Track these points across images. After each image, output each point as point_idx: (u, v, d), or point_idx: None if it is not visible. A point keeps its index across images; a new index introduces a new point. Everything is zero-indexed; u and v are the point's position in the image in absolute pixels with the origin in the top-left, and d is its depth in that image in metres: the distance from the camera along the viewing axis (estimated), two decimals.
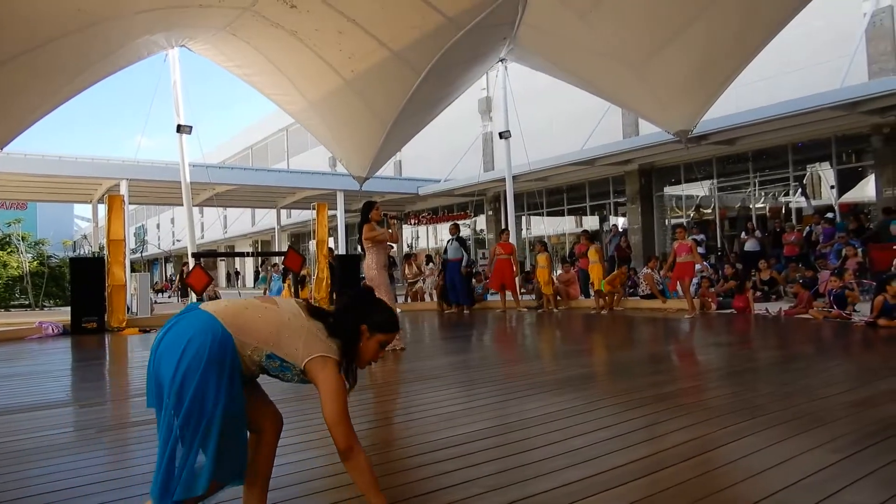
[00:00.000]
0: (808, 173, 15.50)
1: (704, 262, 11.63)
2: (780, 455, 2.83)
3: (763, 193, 16.54)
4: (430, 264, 18.65)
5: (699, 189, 17.71)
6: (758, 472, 2.63)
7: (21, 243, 21.80)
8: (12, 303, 20.56)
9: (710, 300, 10.63)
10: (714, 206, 17.40)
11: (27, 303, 20.24)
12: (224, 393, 1.89)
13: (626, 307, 11.72)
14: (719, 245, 16.60)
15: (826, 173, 15.16)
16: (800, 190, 15.61)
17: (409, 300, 15.20)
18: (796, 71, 14.29)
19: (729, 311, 10.27)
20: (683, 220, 18.02)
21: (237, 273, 41.86)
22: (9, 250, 21.38)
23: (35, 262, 21.30)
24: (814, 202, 15.38)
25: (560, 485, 2.53)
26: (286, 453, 3.17)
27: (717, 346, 7.14)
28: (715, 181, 17.10)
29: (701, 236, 14.51)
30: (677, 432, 3.25)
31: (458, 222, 15.55)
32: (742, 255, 13.62)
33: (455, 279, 12.77)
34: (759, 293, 11.02)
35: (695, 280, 11.37)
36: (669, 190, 18.67)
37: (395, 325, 2.20)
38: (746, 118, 13.36)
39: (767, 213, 16.15)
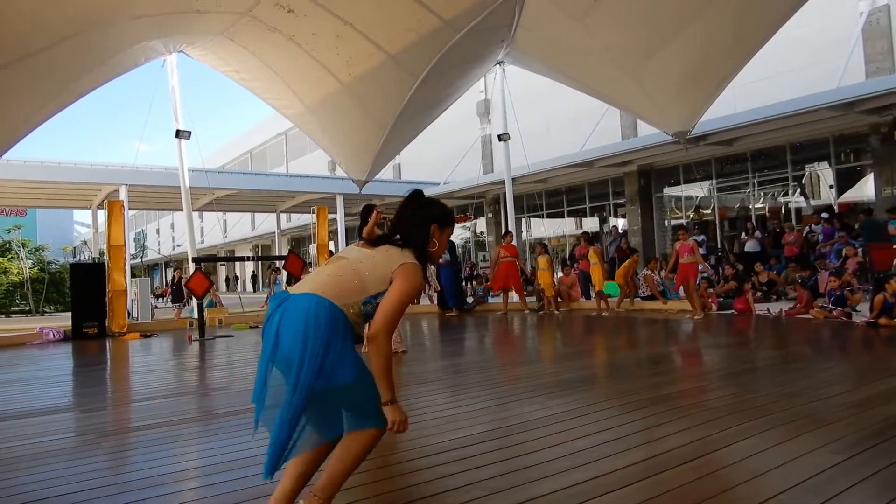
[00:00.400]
0: (806, 173, 15.50)
1: (706, 263, 11.62)
2: (781, 456, 2.82)
3: (762, 194, 16.55)
4: (432, 266, 18.67)
5: (698, 190, 17.72)
6: (759, 473, 2.63)
7: (21, 249, 21.81)
8: (13, 309, 20.55)
9: (710, 301, 10.63)
10: (713, 207, 17.41)
11: (28, 309, 20.24)
12: (349, 358, 2.05)
13: (628, 308, 11.70)
14: (719, 245, 16.60)
15: (825, 173, 15.17)
16: (799, 190, 15.62)
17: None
18: (794, 71, 14.31)
19: (729, 311, 10.27)
20: (683, 221, 18.02)
21: (236, 278, 41.86)
22: (9, 256, 21.39)
23: (35, 269, 21.31)
24: (813, 202, 15.38)
25: (561, 487, 2.53)
26: None
27: (718, 347, 7.14)
28: (714, 182, 17.11)
29: (702, 237, 14.51)
30: (678, 434, 3.25)
31: (457, 225, 15.56)
32: (742, 256, 13.62)
33: (444, 283, 12.81)
34: (759, 294, 11.02)
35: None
36: (669, 191, 18.68)
37: (453, 214, 2.38)
38: (745, 118, 13.37)
39: (767, 214, 16.16)
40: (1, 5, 6.95)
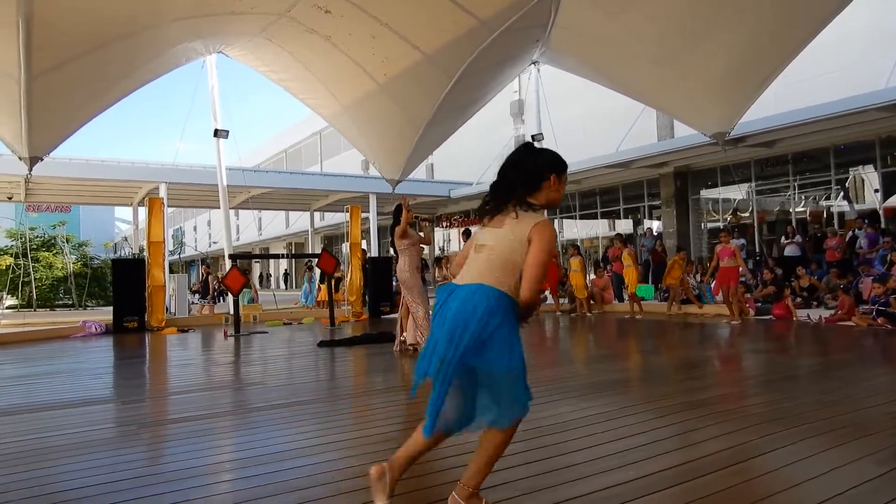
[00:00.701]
0: (850, 176, 15.05)
1: (746, 267, 11.34)
2: (821, 466, 2.75)
3: (803, 197, 16.12)
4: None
5: (737, 192, 17.33)
6: (798, 482, 2.57)
7: (65, 245, 22.53)
8: (57, 302, 21.24)
9: (747, 306, 10.40)
10: (752, 210, 17.02)
11: (71, 303, 20.89)
12: (517, 341, 2.21)
13: (676, 312, 11.52)
14: (758, 249, 16.23)
15: (870, 176, 14.69)
16: (842, 194, 15.17)
17: None
18: (838, 71, 13.89)
19: (767, 317, 10.03)
20: (720, 224, 17.67)
21: (268, 275, 42.47)
22: (54, 251, 22.12)
23: (78, 264, 22.00)
24: (857, 206, 14.92)
25: (595, 490, 2.51)
26: (319, 453, 3.21)
27: (756, 352, 6.98)
28: (753, 184, 16.73)
29: (741, 241, 14.20)
30: (714, 440, 3.19)
31: (471, 227, 15.58)
32: (781, 260, 13.29)
33: None
34: (798, 300, 10.74)
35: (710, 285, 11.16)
36: (706, 193, 18.33)
37: (562, 158, 2.45)
38: (786, 120, 13.03)
39: (808, 218, 15.73)
40: (51, 11, 7.19)
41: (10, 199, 20.35)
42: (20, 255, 20.53)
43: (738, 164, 16.28)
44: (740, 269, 10.05)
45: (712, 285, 11.77)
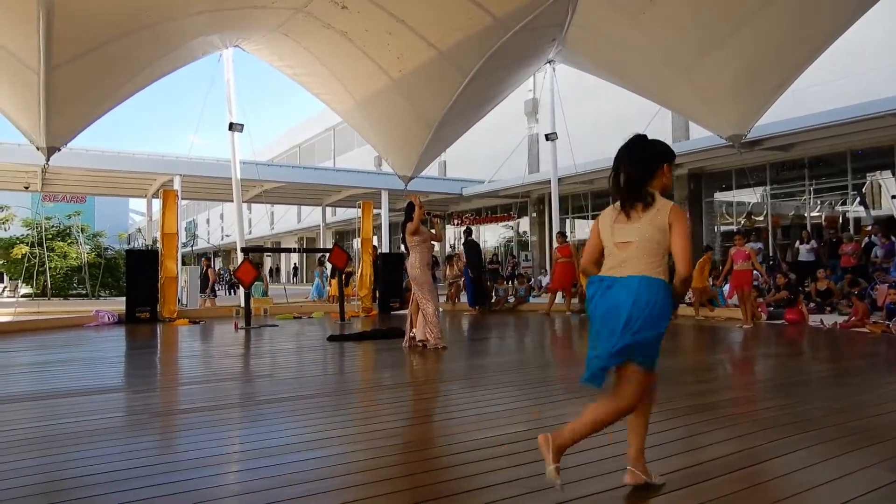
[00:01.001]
0: (867, 182, 14.88)
1: (762, 271, 11.18)
2: (831, 472, 2.73)
3: (819, 202, 15.97)
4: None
5: (751, 195, 17.19)
6: (807, 488, 2.55)
7: (80, 235, 22.76)
8: (71, 292, 21.48)
9: (759, 310, 10.31)
10: (766, 214, 16.88)
11: (84, 292, 21.11)
12: (663, 316, 2.50)
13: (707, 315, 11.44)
14: (771, 254, 16.10)
15: (888, 182, 14.53)
16: (859, 199, 15.00)
17: (448, 300, 15.21)
18: (857, 75, 13.74)
19: (780, 322, 9.95)
20: (734, 227, 17.54)
21: (277, 269, 42.63)
22: (69, 241, 22.35)
23: (93, 254, 22.21)
24: (873, 212, 14.75)
25: (602, 490, 2.51)
26: (326, 446, 3.23)
27: (767, 357, 6.93)
28: (768, 188, 16.60)
29: (759, 245, 14.08)
30: (723, 443, 3.18)
31: (502, 224, 15.59)
32: (795, 265, 13.17)
33: (466, 281, 12.87)
34: (811, 305, 10.64)
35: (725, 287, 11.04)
36: (720, 196, 18.20)
37: (670, 147, 2.68)
38: (803, 123, 12.91)
39: (823, 222, 15.58)
40: (72, 4, 7.26)
41: (27, 188, 20.58)
42: (36, 245, 20.77)
43: (754, 167, 16.15)
44: (755, 272, 9.95)
45: (725, 288, 11.68)
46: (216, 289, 16.24)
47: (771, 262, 14.64)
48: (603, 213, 2.67)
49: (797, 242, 14.16)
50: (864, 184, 14.90)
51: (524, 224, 25.21)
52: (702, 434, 3.38)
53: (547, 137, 15.35)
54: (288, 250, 38.94)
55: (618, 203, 2.57)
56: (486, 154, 23.88)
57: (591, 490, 2.52)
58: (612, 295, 2.49)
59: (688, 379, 5.40)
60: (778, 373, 5.78)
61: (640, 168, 2.53)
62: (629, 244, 2.50)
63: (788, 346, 7.72)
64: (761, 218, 17.10)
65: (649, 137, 2.65)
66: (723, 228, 18.24)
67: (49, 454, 3.07)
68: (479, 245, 14.56)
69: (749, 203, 17.45)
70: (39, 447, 3.19)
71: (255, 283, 16.25)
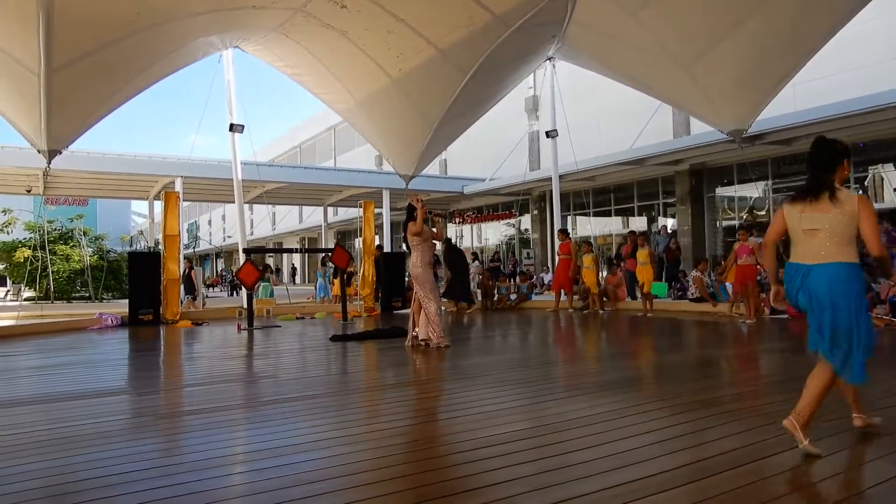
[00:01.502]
0: (870, 175, 14.85)
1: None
2: (838, 466, 2.73)
3: None
4: (476, 262, 18.66)
5: (753, 190, 17.17)
6: (814, 481, 2.55)
7: (83, 238, 22.79)
8: (74, 295, 21.50)
9: (762, 304, 10.29)
10: (769, 208, 16.85)
11: (88, 295, 21.12)
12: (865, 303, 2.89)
13: (675, 310, 11.44)
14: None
15: (890, 175, 14.50)
16: (861, 192, 14.98)
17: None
18: (858, 69, 13.70)
19: (783, 316, 9.93)
20: (736, 222, 17.53)
21: (277, 270, 42.60)
22: (71, 244, 22.38)
23: (95, 256, 22.23)
24: (876, 205, 14.73)
25: (604, 487, 2.50)
26: (330, 446, 3.23)
27: (770, 351, 6.92)
28: (770, 182, 16.57)
29: (761, 239, 14.02)
30: (728, 438, 3.17)
31: (504, 221, 15.59)
32: None
33: (451, 279, 12.90)
34: None
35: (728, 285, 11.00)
36: (721, 191, 18.18)
37: (845, 145, 3.09)
38: (805, 118, 12.88)
39: None
40: (71, 5, 7.25)
41: (28, 191, 20.61)
42: (38, 248, 20.79)
43: (755, 161, 16.12)
44: (759, 267, 9.91)
45: (728, 284, 11.66)
46: (197, 290, 16.02)
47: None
48: (786, 202, 3.05)
49: None
50: (866, 177, 14.87)
51: (526, 221, 25.20)
52: (706, 430, 3.38)
53: (548, 135, 15.33)
54: (290, 251, 38.93)
55: (804, 194, 2.95)
56: (487, 152, 23.87)
57: (595, 487, 2.51)
58: (812, 284, 2.84)
59: (692, 374, 5.40)
60: (781, 367, 5.78)
61: (826, 164, 2.95)
62: (817, 231, 2.86)
63: (791, 340, 7.71)
64: (763, 213, 17.07)
65: (828, 138, 3.06)
66: (724, 223, 18.22)
67: (54, 457, 3.08)
68: (460, 249, 14.71)
69: (751, 198, 17.43)
70: (45, 450, 3.19)
71: (262, 283, 16.18)
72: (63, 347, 8.07)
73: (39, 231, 21.63)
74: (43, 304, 16.75)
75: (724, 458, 2.86)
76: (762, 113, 10.46)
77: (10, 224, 23.40)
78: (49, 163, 9.49)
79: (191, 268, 15.39)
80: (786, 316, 9.89)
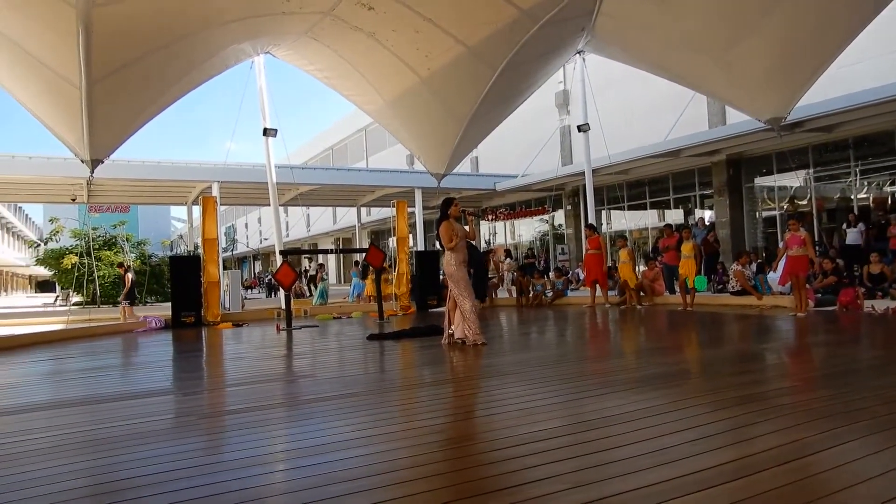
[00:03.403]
0: None
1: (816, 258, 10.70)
2: (887, 463, 2.64)
3: (865, 183, 15.41)
4: (509, 259, 18.59)
5: (793, 179, 16.70)
6: (860, 480, 2.47)
7: (125, 244, 23.47)
8: (118, 299, 22.15)
9: (807, 297, 10.00)
10: (810, 198, 16.37)
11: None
12: None
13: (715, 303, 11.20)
14: (817, 238, 15.62)
15: None
16: None
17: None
18: None
19: (830, 308, 9.64)
20: (776, 213, 17.08)
21: (305, 272, 43.13)
22: (115, 250, 23.07)
23: (138, 261, 22.87)
24: None
25: (644, 485, 2.47)
26: (369, 444, 3.26)
27: (816, 345, 6.73)
28: (811, 171, 16.09)
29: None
30: (772, 435, 3.10)
31: (537, 217, 15.38)
32: (843, 249, 12.74)
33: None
34: (862, 290, 10.27)
35: (775, 275, 10.65)
36: (760, 181, 17.73)
37: None
38: (847, 102, 12.48)
39: (871, 205, 15.04)
40: (109, 20, 7.46)
41: (73, 200, 21.29)
42: (84, 254, 21.49)
43: (795, 149, 15.69)
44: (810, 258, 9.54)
45: (773, 274, 11.34)
46: (135, 294, 14.62)
47: (818, 248, 14.20)
48: None
49: (844, 226, 13.70)
50: None
51: (559, 217, 25.01)
52: (749, 426, 3.30)
53: (579, 129, 15.17)
54: (325, 251, 39.36)
55: None
56: (519, 148, 23.75)
57: (636, 484, 2.48)
58: None
59: (734, 369, 5.29)
60: (828, 361, 5.61)
61: None
62: None
63: (838, 333, 7.49)
64: (805, 202, 16.60)
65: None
66: (765, 214, 17.77)
67: (100, 456, 3.18)
68: (474, 244, 14.56)
69: (791, 187, 16.96)
70: (91, 450, 3.30)
71: (322, 286, 16.24)
72: (110, 350, 8.32)
73: (85, 238, 22.37)
74: (90, 309, 17.30)
75: (767, 455, 2.79)
76: (801, 100, 10.16)
77: (57, 232, 24.26)
78: (92, 172, 9.79)
79: (125, 270, 14.61)
80: (833, 308, 9.61)
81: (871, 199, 15.14)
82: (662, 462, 2.72)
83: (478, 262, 13.32)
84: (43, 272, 37.35)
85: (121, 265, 17.19)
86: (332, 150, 42.32)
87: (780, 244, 11.46)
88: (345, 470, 2.80)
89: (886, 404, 3.63)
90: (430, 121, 12.39)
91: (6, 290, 59.09)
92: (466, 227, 7.36)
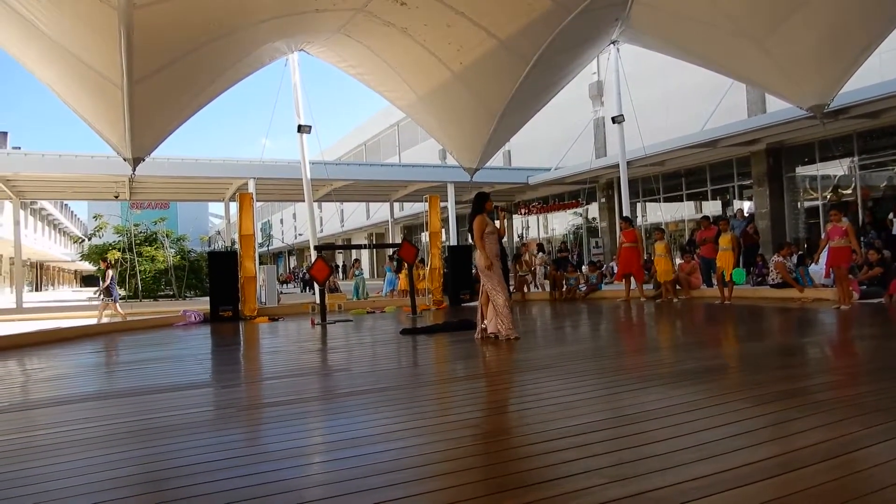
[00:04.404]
0: None
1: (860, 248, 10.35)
2: None
3: None
4: (541, 253, 18.47)
5: (837, 168, 16.20)
6: None
7: (165, 240, 24.04)
8: (159, 293, 22.73)
9: (851, 289, 9.71)
10: (855, 187, 15.86)
11: (172, 293, 22.28)
12: None
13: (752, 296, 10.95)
14: (861, 227, 15.12)
15: None
16: None
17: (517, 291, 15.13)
18: None
19: (875, 300, 9.34)
20: (819, 203, 16.60)
21: (336, 266, 43.50)
22: (156, 246, 23.66)
23: (178, 257, 23.42)
24: None
25: (683, 480, 2.43)
26: (404, 437, 3.29)
27: (861, 338, 6.53)
28: (856, 159, 15.58)
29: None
30: (815, 430, 3.02)
31: (570, 211, 15.13)
32: (890, 240, 12.32)
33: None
34: None
35: (818, 267, 10.35)
36: (802, 170, 17.24)
37: None
38: (893, 88, 12.03)
39: None
40: (149, 20, 7.63)
41: (116, 197, 21.89)
42: (126, 250, 22.10)
43: (839, 137, 15.21)
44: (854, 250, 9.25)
45: (815, 266, 11.03)
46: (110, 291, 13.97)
47: (862, 238, 13.76)
48: None
49: (890, 215, 13.25)
50: None
51: (593, 210, 24.73)
52: (792, 421, 3.23)
53: (613, 120, 14.97)
54: (359, 247, 39.63)
55: None
56: (552, 141, 23.54)
57: (675, 479, 2.45)
58: None
59: (775, 363, 5.17)
60: (874, 355, 5.44)
61: None
62: None
63: (884, 326, 7.25)
64: (849, 191, 16.08)
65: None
66: (807, 204, 17.29)
67: (143, 446, 3.27)
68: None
69: (835, 176, 16.45)
70: (135, 440, 3.40)
71: (356, 281, 16.31)
72: (151, 343, 8.55)
73: (127, 234, 22.99)
74: (133, 303, 17.79)
75: (810, 451, 2.72)
76: (845, 86, 9.84)
77: (101, 228, 24.98)
78: (134, 170, 10.05)
79: (108, 266, 14.46)
80: (881, 300, 9.31)
81: None
82: (702, 457, 2.68)
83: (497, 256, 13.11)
84: (87, 267, 38.53)
85: (104, 259, 17.22)
86: (364, 145, 42.62)
87: (822, 235, 11.15)
88: (381, 462, 2.83)
89: None
90: (463, 115, 12.36)
91: (53, 285, 61.17)
92: (497, 223, 7.34)
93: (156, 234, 24.58)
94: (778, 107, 14.26)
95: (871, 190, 15.79)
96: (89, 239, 27.10)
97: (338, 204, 37.98)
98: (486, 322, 7.12)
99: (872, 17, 8.53)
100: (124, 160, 9.94)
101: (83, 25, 7.74)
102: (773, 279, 11.38)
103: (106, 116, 9.35)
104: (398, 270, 16.48)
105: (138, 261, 22.10)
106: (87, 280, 64.90)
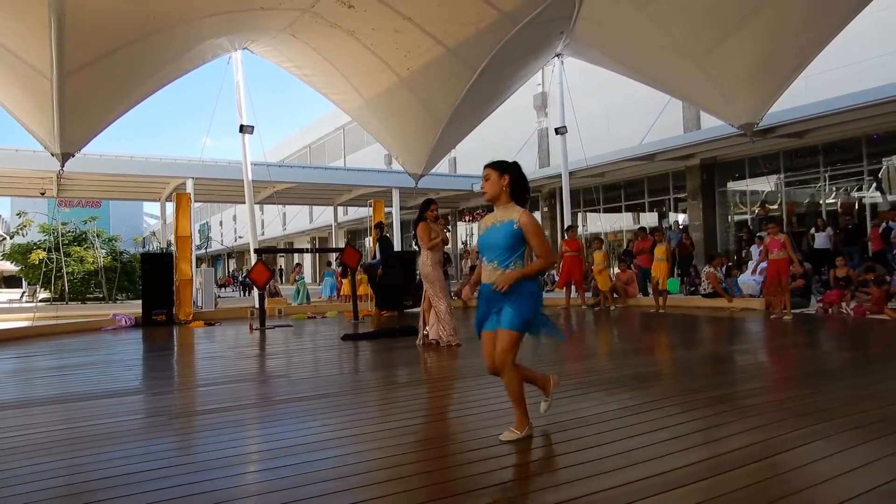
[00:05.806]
0: (884, 167, 14.67)
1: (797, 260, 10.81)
2: (852, 462, 2.71)
3: (834, 188, 15.77)
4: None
5: (765, 184, 17.02)
6: (827, 478, 2.53)
7: (96, 240, 23.00)
8: (88, 296, 21.70)
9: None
10: (781, 202, 16.70)
11: (102, 296, 21.32)
12: None
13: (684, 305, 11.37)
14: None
15: None
16: (875, 184, 14.80)
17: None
18: (872, 59, 13.53)
19: (798, 311, 9.84)
20: (748, 217, 17.39)
21: (277, 270, 42.61)
22: (85, 246, 22.59)
23: (109, 258, 22.43)
24: (890, 197, 14.55)
25: (616, 485, 2.50)
26: (343, 445, 3.25)
27: (784, 346, 6.87)
28: (782, 175, 16.42)
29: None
30: (741, 435, 3.15)
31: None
32: (811, 253, 13.02)
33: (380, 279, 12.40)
34: (847, 291, 10.48)
35: (756, 277, 10.84)
36: (733, 185, 18.04)
37: None
38: (817, 110, 12.76)
39: (839, 209, 15.39)
40: (83, 10, 7.31)
41: (42, 194, 20.84)
42: (53, 250, 21.01)
43: (767, 155, 16.00)
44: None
45: (745, 277, 11.53)
46: None
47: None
48: None
49: (812, 230, 14.01)
50: (880, 169, 14.70)
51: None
52: (718, 426, 3.36)
53: (557, 131, 15.30)
54: (301, 251, 39.03)
55: None
56: (497, 149, 23.74)
57: (607, 485, 2.51)
58: None
59: (706, 371, 5.38)
60: (796, 362, 5.73)
61: None
62: None
63: (806, 335, 7.65)
64: (776, 206, 16.93)
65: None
66: (737, 218, 18.08)
67: (69, 457, 3.11)
68: (391, 242, 14.21)
69: (763, 192, 17.28)
70: (60, 450, 3.23)
71: (297, 286, 15.98)
72: (78, 348, 8.15)
73: (54, 233, 21.87)
74: (58, 306, 16.93)
75: (736, 454, 2.84)
76: (773, 106, 10.37)
77: (25, 226, 23.66)
78: (62, 166, 9.57)
79: None
80: (802, 310, 9.81)
81: (838, 203, 15.50)
82: (634, 462, 2.75)
83: (394, 266, 12.80)
84: (9, 267, 36.43)
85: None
86: (309, 148, 42.01)
87: (755, 248, 11.67)
88: (319, 471, 2.79)
89: (851, 404, 3.72)
90: (409, 121, 12.36)
91: None
92: (445, 230, 7.38)
93: (86, 233, 23.47)
94: (712, 124, 14.87)
95: (796, 206, 16.66)
96: (11, 237, 25.62)
97: (280, 207, 37.26)
98: (427, 328, 7.13)
99: (800, 42, 9.02)
100: (52, 155, 9.46)
101: (10, 12, 7.35)
102: (704, 289, 11.84)
103: (33, 109, 8.87)
104: (343, 275, 16.28)
105: (66, 261, 21.05)
106: (8, 281, 61.44)
